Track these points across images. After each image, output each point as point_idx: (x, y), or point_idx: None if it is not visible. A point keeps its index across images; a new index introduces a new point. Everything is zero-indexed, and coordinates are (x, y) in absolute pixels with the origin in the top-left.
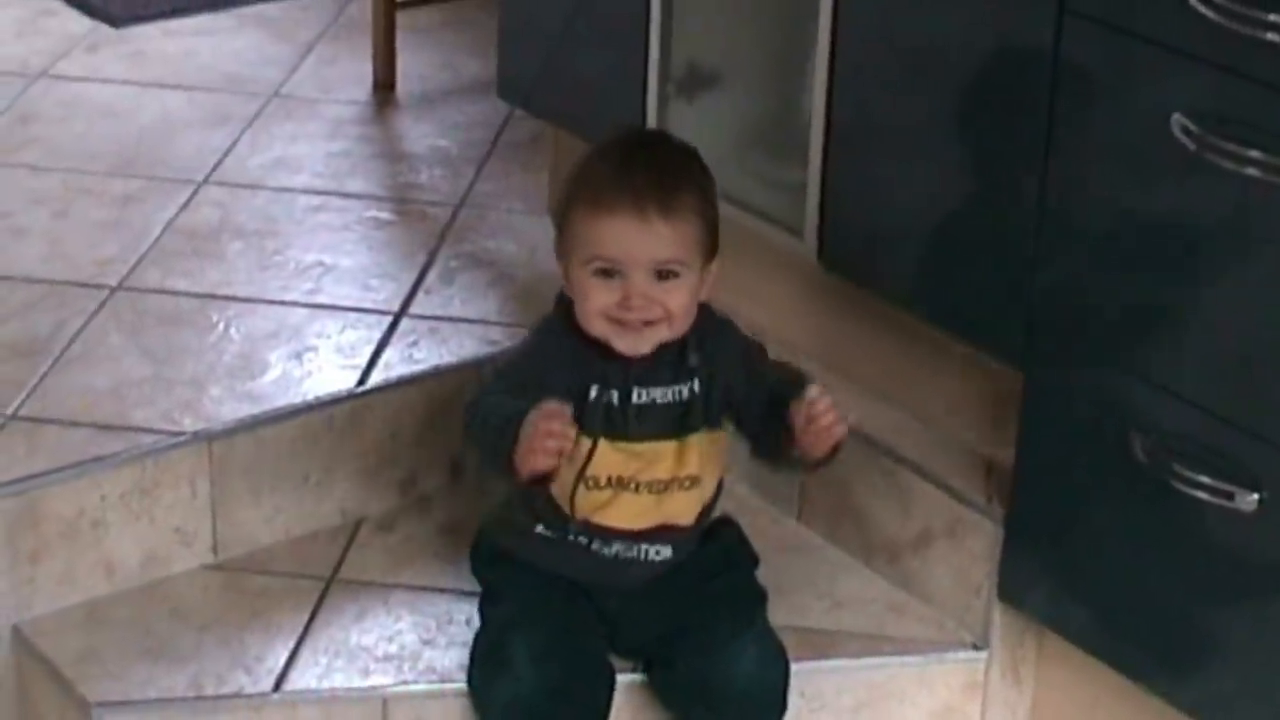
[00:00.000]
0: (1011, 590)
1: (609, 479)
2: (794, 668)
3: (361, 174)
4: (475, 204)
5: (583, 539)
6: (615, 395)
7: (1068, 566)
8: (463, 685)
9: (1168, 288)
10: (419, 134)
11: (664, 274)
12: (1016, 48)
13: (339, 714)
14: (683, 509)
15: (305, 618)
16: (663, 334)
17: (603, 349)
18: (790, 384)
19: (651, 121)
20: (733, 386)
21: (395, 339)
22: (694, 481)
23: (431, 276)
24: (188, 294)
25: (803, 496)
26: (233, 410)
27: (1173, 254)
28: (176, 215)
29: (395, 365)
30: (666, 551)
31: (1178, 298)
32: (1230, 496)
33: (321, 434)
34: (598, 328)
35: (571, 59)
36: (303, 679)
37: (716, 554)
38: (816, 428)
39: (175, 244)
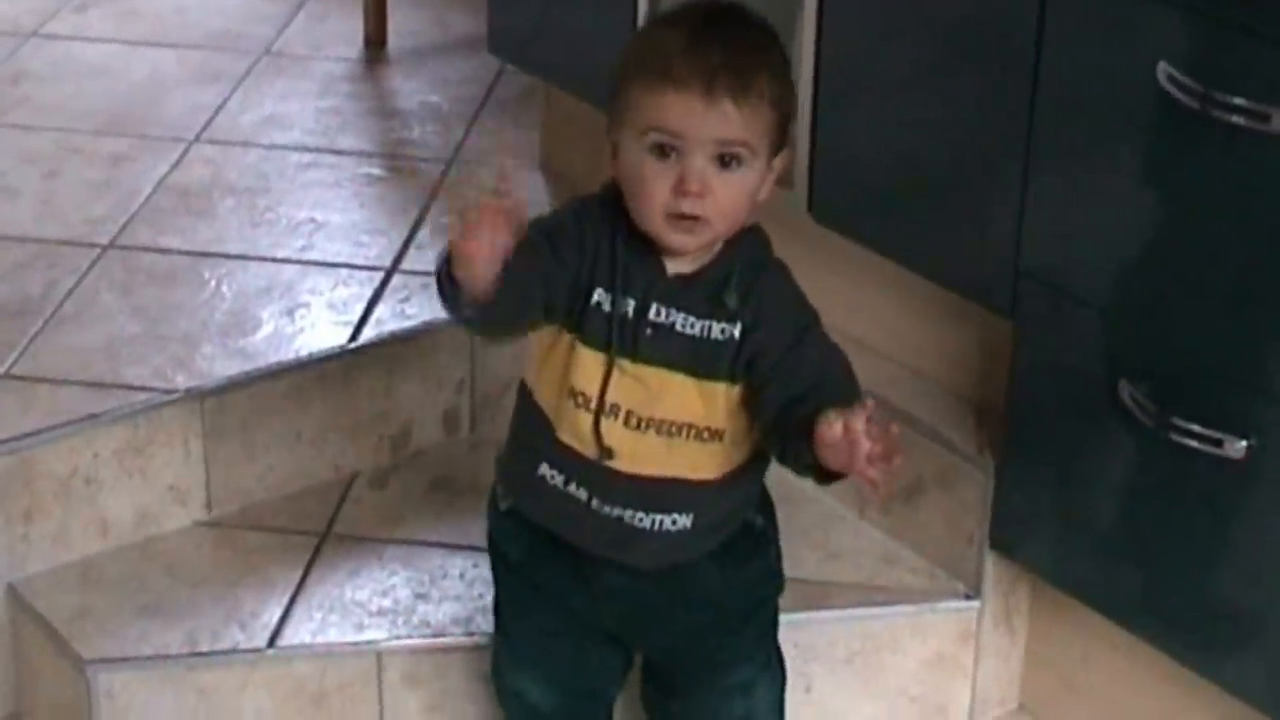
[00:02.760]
0: (1003, 539)
1: (613, 407)
2: (788, 618)
3: (353, 131)
4: (467, 160)
5: (583, 492)
6: (631, 306)
7: (1059, 515)
8: (456, 638)
9: (1154, 236)
10: (410, 90)
11: (726, 159)
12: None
13: (333, 668)
14: (701, 462)
15: (299, 573)
16: (709, 231)
17: (636, 248)
18: (836, 386)
19: None
20: (769, 352)
21: (387, 295)
22: (715, 435)
23: (423, 233)
24: (179, 252)
25: None
26: (225, 367)
27: (1159, 202)
28: (168, 173)
29: (387, 321)
30: (685, 520)
31: (1164, 246)
32: (1219, 444)
33: (314, 390)
34: (654, 224)
35: (561, 14)
36: (297, 634)
37: (741, 577)
38: (856, 451)
39: (167, 202)
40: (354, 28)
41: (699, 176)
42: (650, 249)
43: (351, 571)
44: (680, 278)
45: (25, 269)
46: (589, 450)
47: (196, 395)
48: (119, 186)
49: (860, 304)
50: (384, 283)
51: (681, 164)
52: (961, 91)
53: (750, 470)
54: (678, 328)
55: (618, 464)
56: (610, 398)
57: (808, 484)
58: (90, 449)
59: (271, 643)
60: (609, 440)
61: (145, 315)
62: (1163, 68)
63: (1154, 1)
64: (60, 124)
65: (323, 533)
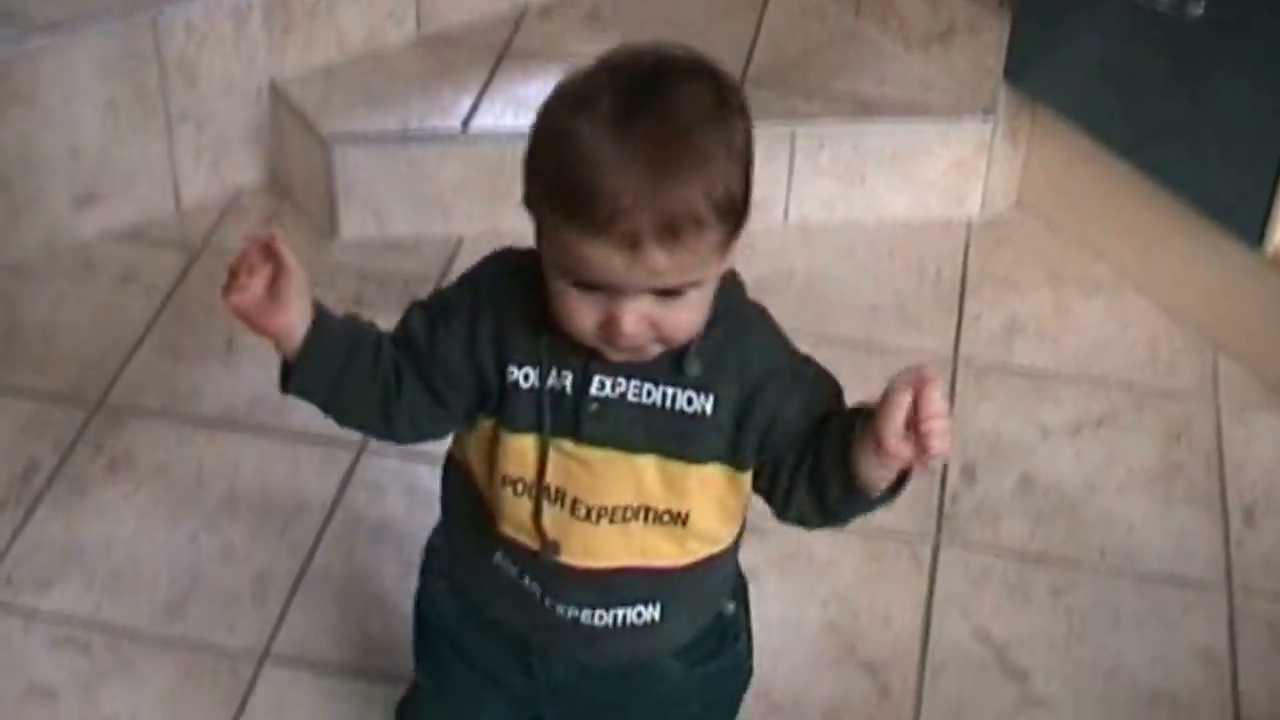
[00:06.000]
0: (1015, 72)
1: (557, 492)
2: (851, 126)
3: None
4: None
5: (535, 587)
6: (570, 381)
7: (1057, 55)
8: None
9: None
10: None
11: (667, 293)
12: None
13: (508, 150)
14: (662, 548)
15: (485, 77)
16: (660, 350)
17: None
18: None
19: None
20: (782, 423)
21: None
22: (678, 518)
23: None
24: None
25: None
26: None
27: None
28: None
29: None
30: (652, 612)
31: None
32: (1182, 6)
33: None
34: (584, 339)
35: None
36: (482, 122)
37: (707, 674)
38: (920, 430)
39: None
40: None
41: (633, 321)
42: None
43: (524, 79)
44: None
45: None
46: (532, 542)
47: None
48: None
49: None
50: None
51: (611, 303)
52: None
53: (723, 564)
54: (630, 397)
55: (567, 559)
56: (550, 480)
57: (870, 28)
58: None
59: (464, 127)
60: (552, 532)
61: None
62: None
63: None
64: None
65: (501, 49)
